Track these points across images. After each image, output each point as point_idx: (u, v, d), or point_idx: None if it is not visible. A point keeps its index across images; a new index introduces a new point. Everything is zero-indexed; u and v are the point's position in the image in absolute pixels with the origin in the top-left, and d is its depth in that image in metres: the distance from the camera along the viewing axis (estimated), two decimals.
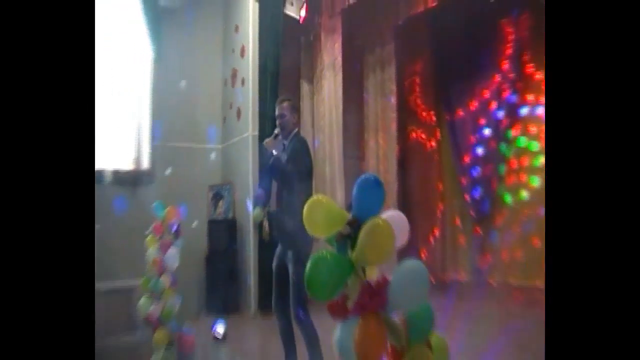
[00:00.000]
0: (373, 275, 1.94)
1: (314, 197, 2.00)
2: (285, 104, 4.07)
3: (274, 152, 3.96)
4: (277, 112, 4.08)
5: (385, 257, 1.84)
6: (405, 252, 6.84)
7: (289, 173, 3.84)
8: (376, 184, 1.89)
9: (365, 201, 1.88)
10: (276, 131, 3.97)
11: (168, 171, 6.61)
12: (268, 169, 4.06)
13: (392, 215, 1.94)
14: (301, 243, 3.53)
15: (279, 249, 4.04)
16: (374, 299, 1.81)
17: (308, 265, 1.84)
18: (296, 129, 4.09)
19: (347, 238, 1.89)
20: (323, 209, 1.98)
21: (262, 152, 4.37)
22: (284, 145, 3.97)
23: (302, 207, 2.00)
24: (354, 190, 1.89)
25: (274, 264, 4.03)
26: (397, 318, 1.93)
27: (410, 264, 1.89)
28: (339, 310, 1.93)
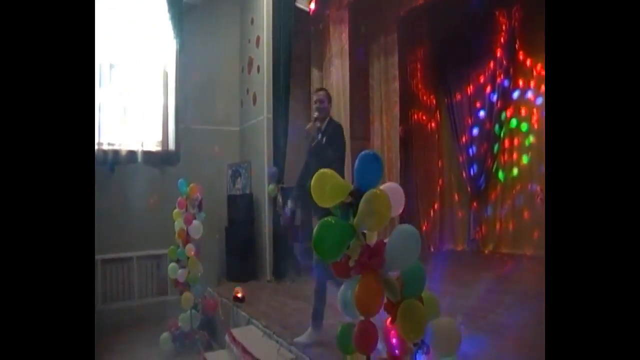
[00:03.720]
0: (373, 239, 2.03)
1: (321, 171, 2.07)
2: (321, 93, 4.27)
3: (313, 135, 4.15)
4: (314, 99, 4.26)
5: (383, 223, 1.92)
6: (409, 222, 6.93)
7: (328, 154, 3.92)
8: (375, 159, 1.97)
9: (365, 174, 1.96)
10: (315, 115, 4.12)
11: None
12: (311, 152, 4.14)
13: (389, 187, 2.02)
14: None
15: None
16: (373, 259, 1.90)
17: (315, 229, 1.93)
18: (329, 115, 4.22)
19: (350, 206, 1.97)
20: (329, 181, 2.06)
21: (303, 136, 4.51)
22: (318, 129, 4.10)
23: None
24: (356, 165, 1.98)
25: None
26: (393, 276, 2.03)
27: (404, 228, 1.97)
28: (342, 270, 2.04)
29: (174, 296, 5.79)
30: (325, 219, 1.94)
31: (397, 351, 2.05)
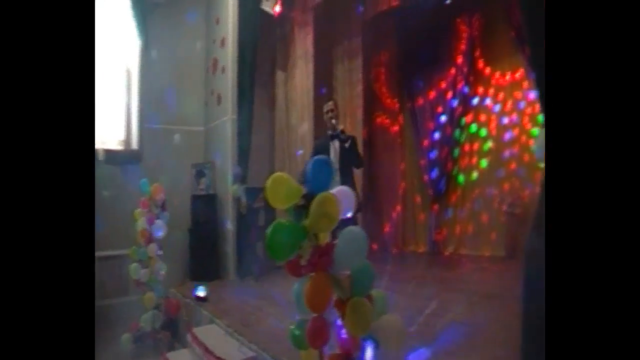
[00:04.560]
0: (324, 239, 2.14)
1: (276, 174, 2.16)
2: (331, 102, 4.88)
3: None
4: (325, 109, 4.87)
5: (332, 225, 2.04)
6: (371, 224, 7.08)
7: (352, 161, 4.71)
8: (325, 164, 2.09)
9: (317, 178, 2.07)
10: (332, 123, 4.76)
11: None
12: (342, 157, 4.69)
13: (339, 190, 2.14)
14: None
15: None
16: (322, 258, 2.02)
17: (269, 230, 2.03)
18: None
19: (302, 209, 2.08)
20: (283, 184, 2.16)
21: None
22: (331, 135, 4.74)
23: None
24: (308, 169, 2.09)
25: None
26: (343, 275, 2.15)
27: (352, 230, 2.09)
28: (294, 268, 2.14)
29: (135, 296, 5.80)
30: (278, 220, 2.05)
31: (346, 346, 2.18)
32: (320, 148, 4.68)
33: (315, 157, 2.11)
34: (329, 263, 2.02)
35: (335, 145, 4.65)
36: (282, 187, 2.15)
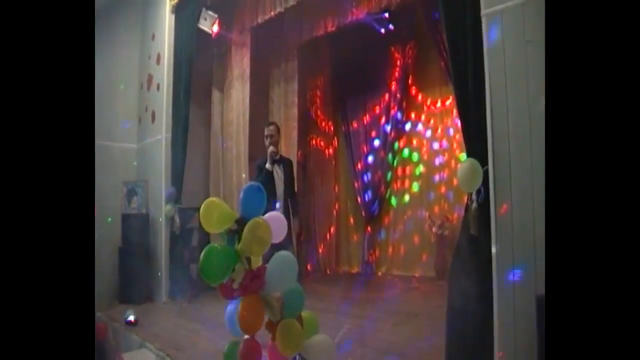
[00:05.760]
0: (257, 263, 2.23)
1: (209, 199, 2.24)
2: (272, 127, 4.90)
3: (268, 165, 4.80)
4: (266, 133, 4.89)
5: (263, 249, 2.13)
6: (306, 246, 7.14)
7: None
8: (259, 190, 2.19)
9: (250, 204, 2.16)
10: (271, 150, 4.79)
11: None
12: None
13: (271, 216, 2.24)
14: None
15: None
16: (254, 281, 2.11)
17: (202, 254, 2.10)
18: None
19: (235, 233, 2.16)
20: (217, 209, 2.24)
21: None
22: (273, 161, 4.80)
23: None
24: (241, 195, 2.18)
25: None
26: (273, 297, 2.24)
27: (283, 254, 2.20)
28: (227, 291, 2.22)
29: None
30: (211, 244, 2.12)
31: None
32: (265, 172, 4.73)
33: (249, 184, 2.21)
34: (261, 286, 2.11)
35: (277, 170, 4.70)
36: (215, 212, 2.23)
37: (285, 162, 4.73)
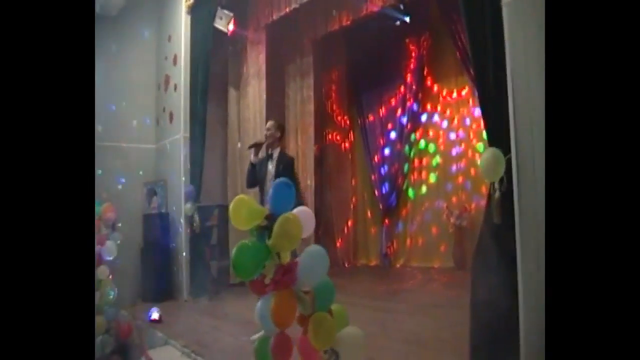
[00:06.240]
0: (286, 258, 2.25)
1: (239, 196, 2.26)
2: (269, 123, 4.74)
3: (252, 158, 4.64)
4: (266, 127, 4.76)
5: (294, 244, 2.16)
6: (324, 239, 7.20)
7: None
8: (288, 186, 2.21)
9: (279, 200, 2.19)
10: (275, 148, 4.60)
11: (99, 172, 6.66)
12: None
13: (300, 210, 2.26)
14: None
15: None
16: (286, 277, 2.13)
17: (233, 251, 2.13)
18: (280, 146, 4.68)
19: (265, 229, 2.19)
20: (246, 206, 2.26)
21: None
22: (267, 153, 4.60)
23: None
24: (271, 191, 2.21)
25: None
26: (304, 292, 2.27)
27: (314, 249, 2.22)
28: (258, 287, 2.24)
29: None
30: (243, 241, 2.15)
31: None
32: (258, 167, 4.62)
33: (278, 180, 2.23)
34: (293, 280, 2.13)
35: (269, 166, 4.57)
36: (244, 209, 2.25)
37: (281, 159, 4.54)
